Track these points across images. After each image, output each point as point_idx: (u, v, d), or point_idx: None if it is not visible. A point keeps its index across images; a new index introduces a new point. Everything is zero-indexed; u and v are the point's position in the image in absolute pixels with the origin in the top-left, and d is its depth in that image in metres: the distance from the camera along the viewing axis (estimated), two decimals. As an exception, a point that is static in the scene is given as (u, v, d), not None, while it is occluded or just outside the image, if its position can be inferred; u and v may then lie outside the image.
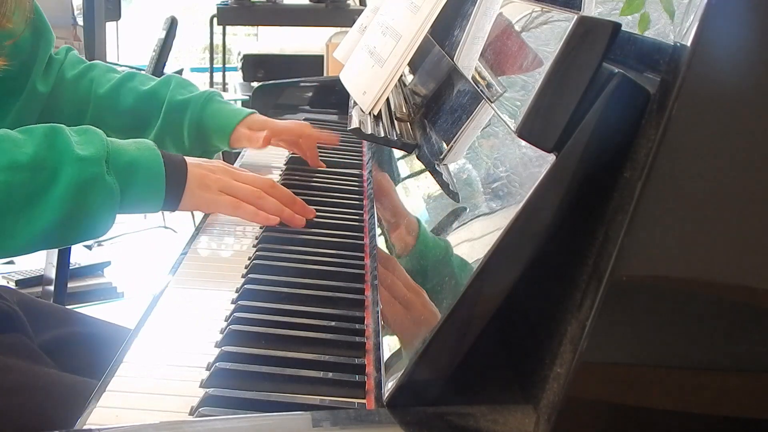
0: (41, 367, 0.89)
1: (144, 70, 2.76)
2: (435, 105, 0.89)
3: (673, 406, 0.47)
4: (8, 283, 2.37)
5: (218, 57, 4.45)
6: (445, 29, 0.93)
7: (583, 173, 0.48)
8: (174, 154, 0.90)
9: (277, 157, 1.27)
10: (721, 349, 0.46)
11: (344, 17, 3.57)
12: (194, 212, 3.02)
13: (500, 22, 0.75)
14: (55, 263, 2.09)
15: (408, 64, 0.95)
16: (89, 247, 2.93)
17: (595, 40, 0.46)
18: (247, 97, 3.18)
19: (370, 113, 0.94)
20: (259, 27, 5.26)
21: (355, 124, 0.92)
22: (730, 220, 0.45)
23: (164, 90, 1.14)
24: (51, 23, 1.12)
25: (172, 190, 0.86)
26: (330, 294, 0.76)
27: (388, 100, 0.98)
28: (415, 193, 0.81)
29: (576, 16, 0.48)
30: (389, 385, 0.54)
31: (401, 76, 0.97)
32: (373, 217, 0.91)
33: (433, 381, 0.52)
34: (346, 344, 0.67)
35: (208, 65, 4.51)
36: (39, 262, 2.32)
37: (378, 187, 1.00)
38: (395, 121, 0.96)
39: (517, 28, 0.70)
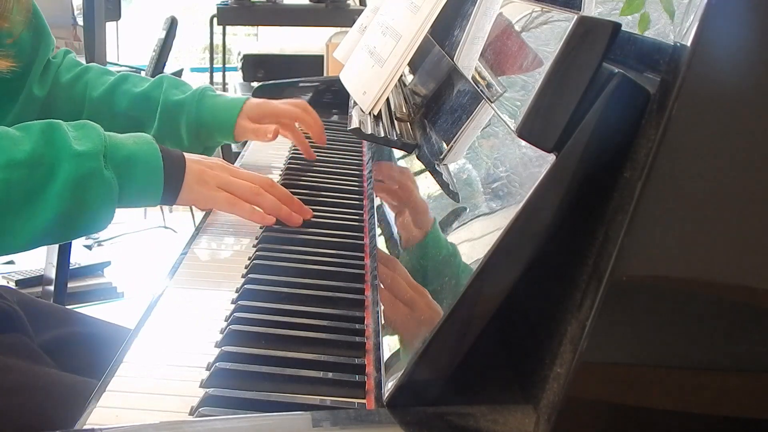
0: (41, 367, 0.89)
1: (144, 70, 2.76)
2: (435, 105, 0.89)
3: (673, 406, 0.47)
4: (8, 283, 2.37)
5: (218, 57, 4.44)
6: (445, 29, 0.93)
7: (583, 173, 0.48)
8: (172, 149, 0.90)
9: (277, 157, 1.27)
10: (721, 349, 0.46)
11: (344, 17, 3.57)
12: (194, 212, 3.02)
13: (500, 22, 0.75)
14: (55, 263, 2.09)
15: (408, 64, 0.95)
16: (89, 247, 2.93)
17: (595, 40, 0.46)
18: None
19: (370, 113, 0.94)
20: (259, 27, 5.25)
21: (355, 124, 0.92)
22: (730, 220, 0.45)
23: (157, 92, 1.14)
24: (51, 23, 1.12)
25: (170, 184, 0.86)
26: (330, 294, 0.76)
27: (388, 100, 0.98)
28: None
29: (576, 16, 0.48)
30: (389, 385, 0.54)
31: (401, 76, 0.97)
32: (373, 217, 0.91)
33: (433, 381, 0.52)
34: (346, 344, 0.67)
35: (208, 65, 4.51)
36: (39, 262, 2.32)
37: (387, 179, 1.00)
38: (395, 121, 0.96)
39: (517, 28, 0.70)
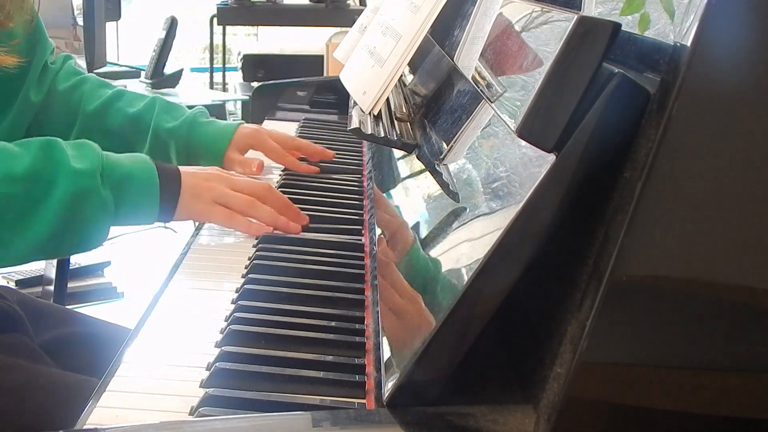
0: (42, 366, 0.89)
1: (144, 70, 2.75)
2: (435, 105, 0.89)
3: (673, 406, 0.47)
4: (8, 283, 2.36)
5: (218, 57, 4.45)
6: (445, 29, 0.93)
7: (583, 173, 0.48)
8: (168, 165, 0.91)
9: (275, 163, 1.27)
10: (721, 349, 0.46)
11: (344, 17, 3.57)
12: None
13: (500, 22, 0.75)
14: (55, 263, 2.09)
15: (408, 64, 0.95)
16: (89, 247, 2.93)
17: (595, 40, 0.46)
18: (247, 97, 3.18)
19: (370, 113, 0.94)
20: (259, 27, 5.25)
21: (355, 124, 0.92)
22: (730, 220, 0.45)
23: (149, 115, 1.13)
24: (51, 23, 1.12)
25: (166, 202, 0.87)
26: (330, 294, 0.76)
27: (388, 100, 0.98)
28: (415, 193, 0.81)
29: (576, 16, 0.48)
30: (389, 385, 0.54)
31: (401, 76, 0.97)
32: (373, 216, 0.91)
33: (433, 381, 0.52)
34: (346, 344, 0.67)
35: (208, 65, 4.51)
36: (39, 262, 2.31)
37: (378, 192, 1.00)
38: (395, 121, 0.96)
39: (517, 28, 0.70)
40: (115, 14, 2.89)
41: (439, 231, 0.66)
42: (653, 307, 0.45)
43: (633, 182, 0.44)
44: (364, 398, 0.59)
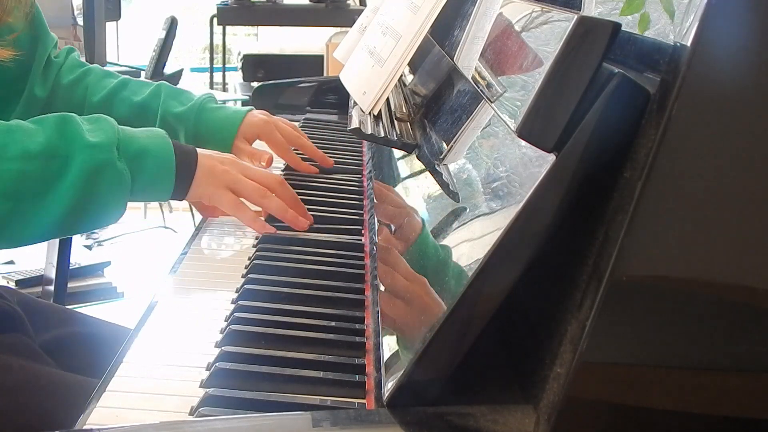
0: (42, 366, 0.89)
1: (144, 70, 2.75)
2: (435, 105, 0.89)
3: (673, 406, 0.47)
4: (8, 283, 2.37)
5: (218, 57, 4.45)
6: (445, 29, 0.93)
7: (583, 173, 0.48)
8: (184, 144, 0.90)
9: (277, 157, 1.27)
10: (721, 349, 0.46)
11: (344, 17, 3.57)
12: (194, 212, 3.02)
13: (500, 22, 0.75)
14: (55, 263, 2.09)
15: (408, 64, 0.95)
16: (89, 247, 2.93)
17: (595, 40, 0.46)
18: (247, 97, 3.18)
19: (370, 113, 0.94)
20: (259, 27, 5.25)
21: (355, 124, 0.92)
22: (730, 220, 0.45)
23: (155, 102, 1.13)
24: (51, 23, 1.12)
25: (182, 178, 0.86)
26: (330, 294, 0.76)
27: (388, 100, 0.98)
28: (415, 193, 0.81)
29: (576, 16, 0.48)
30: (389, 385, 0.54)
31: (401, 76, 0.97)
32: (373, 216, 0.91)
33: (433, 381, 0.52)
34: (346, 344, 0.67)
35: (208, 65, 4.51)
36: (39, 262, 2.31)
37: (379, 188, 1.00)
38: (395, 121, 0.96)
39: (517, 28, 0.70)
40: (115, 14, 2.89)
41: (439, 231, 0.66)
42: (653, 307, 0.45)
43: (633, 182, 0.44)
44: (364, 398, 0.59)
